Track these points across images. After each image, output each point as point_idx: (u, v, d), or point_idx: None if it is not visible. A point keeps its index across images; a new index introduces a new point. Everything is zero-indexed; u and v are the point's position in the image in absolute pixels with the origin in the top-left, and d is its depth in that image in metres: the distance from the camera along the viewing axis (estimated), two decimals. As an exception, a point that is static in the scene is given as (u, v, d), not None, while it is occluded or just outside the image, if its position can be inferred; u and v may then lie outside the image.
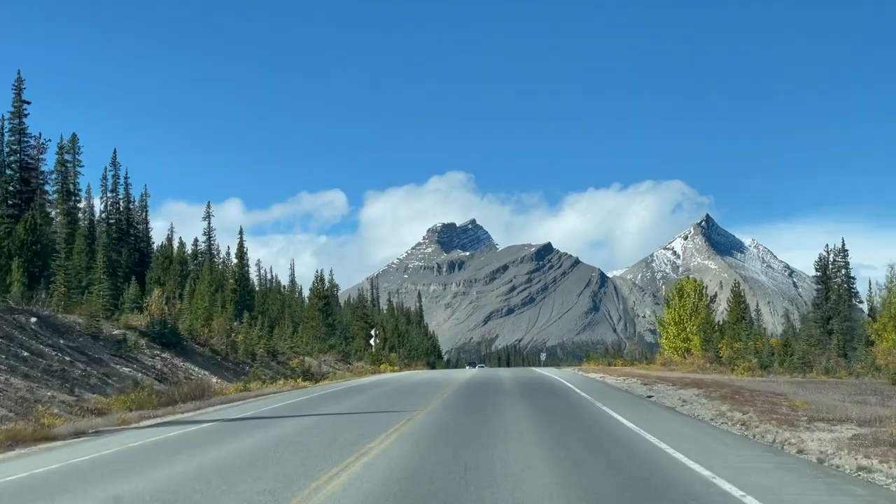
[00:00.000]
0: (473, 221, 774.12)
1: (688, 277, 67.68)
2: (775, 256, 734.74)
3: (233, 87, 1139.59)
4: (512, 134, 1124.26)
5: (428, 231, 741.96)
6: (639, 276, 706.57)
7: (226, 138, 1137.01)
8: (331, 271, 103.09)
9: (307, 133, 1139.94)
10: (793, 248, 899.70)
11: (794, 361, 41.98)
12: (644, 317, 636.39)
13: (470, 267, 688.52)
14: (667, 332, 65.63)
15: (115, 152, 79.11)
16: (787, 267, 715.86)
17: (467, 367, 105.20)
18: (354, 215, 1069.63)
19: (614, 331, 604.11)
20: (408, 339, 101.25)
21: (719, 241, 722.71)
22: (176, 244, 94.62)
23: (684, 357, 63.68)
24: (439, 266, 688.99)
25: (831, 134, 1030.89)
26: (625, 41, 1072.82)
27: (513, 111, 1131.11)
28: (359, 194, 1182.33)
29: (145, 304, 36.08)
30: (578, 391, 27.00)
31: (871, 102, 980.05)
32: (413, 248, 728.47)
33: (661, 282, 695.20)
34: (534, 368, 56.67)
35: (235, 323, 44.72)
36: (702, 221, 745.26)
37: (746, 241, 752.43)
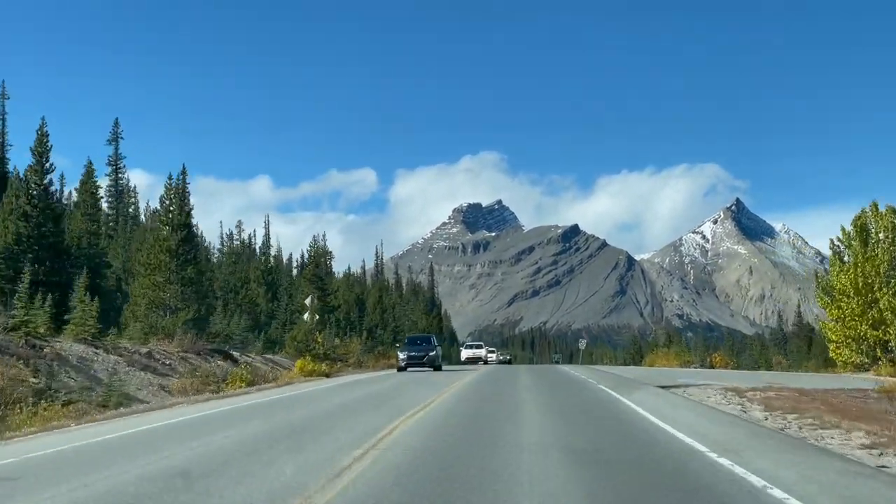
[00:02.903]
0: (500, 202, 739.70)
1: (875, 206, 34.89)
2: (806, 242, 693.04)
3: (264, 64, 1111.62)
4: (548, 115, 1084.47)
5: (453, 211, 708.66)
6: (667, 260, 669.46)
7: (256, 115, 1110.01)
8: (324, 235, 70.68)
9: (340, 111, 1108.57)
10: (824, 234, 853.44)
11: None
12: (672, 301, 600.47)
13: (495, 248, 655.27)
14: (840, 308, 33.63)
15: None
16: (819, 253, 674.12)
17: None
18: (384, 194, 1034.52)
19: (641, 315, 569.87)
20: (393, 318, 69.78)
21: (749, 226, 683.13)
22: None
23: (875, 355, 32.14)
24: (464, 246, 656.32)
25: (865, 121, 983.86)
26: (667, 25, 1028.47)
27: (550, 91, 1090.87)
28: (390, 173, 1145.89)
29: None
30: None
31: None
32: (438, 228, 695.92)
33: (690, 266, 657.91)
34: (597, 384, 23.61)
35: None
36: (732, 206, 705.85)
37: (777, 226, 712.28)
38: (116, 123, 63.59)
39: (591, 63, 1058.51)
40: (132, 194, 67.62)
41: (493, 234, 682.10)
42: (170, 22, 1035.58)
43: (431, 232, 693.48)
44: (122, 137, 63.53)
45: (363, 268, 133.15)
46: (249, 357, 32.40)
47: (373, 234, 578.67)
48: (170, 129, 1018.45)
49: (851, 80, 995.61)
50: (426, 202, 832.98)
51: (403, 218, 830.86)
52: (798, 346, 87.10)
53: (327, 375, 31.58)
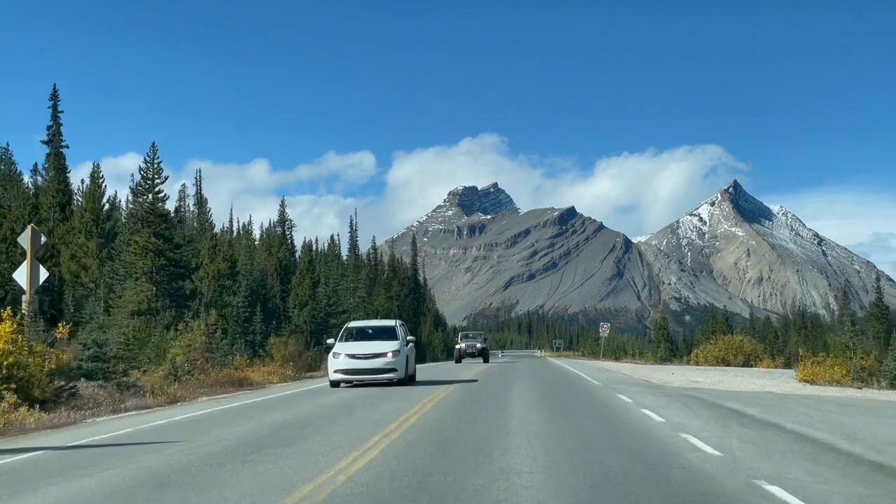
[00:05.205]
0: (496, 185, 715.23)
1: None
2: (804, 224, 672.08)
3: (263, 46, 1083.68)
4: (550, 97, 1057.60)
5: (449, 194, 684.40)
6: (664, 243, 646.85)
7: (254, 99, 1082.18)
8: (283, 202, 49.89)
9: (339, 94, 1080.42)
10: (821, 216, 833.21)
11: None
12: (669, 284, 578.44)
13: (491, 230, 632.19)
14: None
15: None
16: (816, 235, 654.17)
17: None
18: (382, 176, 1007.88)
19: (638, 298, 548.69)
20: (335, 294, 47.56)
21: (746, 208, 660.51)
22: None
23: None
24: (459, 229, 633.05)
25: (863, 103, 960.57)
26: (670, 7, 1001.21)
27: (553, 73, 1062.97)
28: (388, 156, 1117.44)
29: None
30: None
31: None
32: (433, 211, 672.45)
33: (687, 248, 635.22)
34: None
35: None
36: (729, 188, 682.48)
37: (774, 208, 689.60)
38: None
39: (595, 44, 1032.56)
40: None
41: (489, 216, 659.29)
42: (163, 3, 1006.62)
43: (427, 215, 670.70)
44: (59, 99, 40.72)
45: (333, 239, 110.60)
46: None
47: (370, 217, 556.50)
48: (166, 115, 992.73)
49: (852, 63, 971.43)
50: (424, 185, 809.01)
51: (400, 201, 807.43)
52: (877, 331, 65.42)
53: None
